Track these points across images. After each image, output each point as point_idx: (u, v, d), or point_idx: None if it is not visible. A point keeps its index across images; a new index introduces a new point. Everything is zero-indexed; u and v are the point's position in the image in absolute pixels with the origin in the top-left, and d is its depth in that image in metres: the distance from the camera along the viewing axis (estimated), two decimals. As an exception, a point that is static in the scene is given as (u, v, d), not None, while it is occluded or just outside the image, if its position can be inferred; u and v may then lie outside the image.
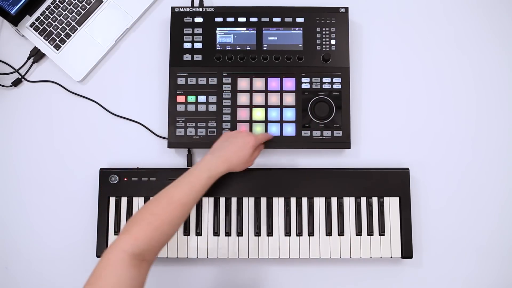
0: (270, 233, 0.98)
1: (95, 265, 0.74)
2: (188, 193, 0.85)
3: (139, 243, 0.77)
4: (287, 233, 0.98)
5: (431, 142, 1.05)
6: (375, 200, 0.99)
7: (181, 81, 1.02)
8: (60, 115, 1.07)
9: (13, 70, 1.07)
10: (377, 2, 1.09)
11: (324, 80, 1.02)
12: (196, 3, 1.07)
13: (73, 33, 1.07)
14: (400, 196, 0.99)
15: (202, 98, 1.02)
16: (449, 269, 1.02)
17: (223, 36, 1.04)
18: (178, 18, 1.04)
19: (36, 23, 1.06)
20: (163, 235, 0.81)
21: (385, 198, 0.99)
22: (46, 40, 1.06)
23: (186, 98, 1.02)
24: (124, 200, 0.99)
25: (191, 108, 1.02)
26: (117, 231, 0.98)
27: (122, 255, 0.74)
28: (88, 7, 1.07)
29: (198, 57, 1.03)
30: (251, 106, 1.02)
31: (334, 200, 0.99)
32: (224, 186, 0.97)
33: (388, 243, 0.98)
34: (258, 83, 1.02)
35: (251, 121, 1.02)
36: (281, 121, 1.01)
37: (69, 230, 1.03)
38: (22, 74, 1.07)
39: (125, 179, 0.99)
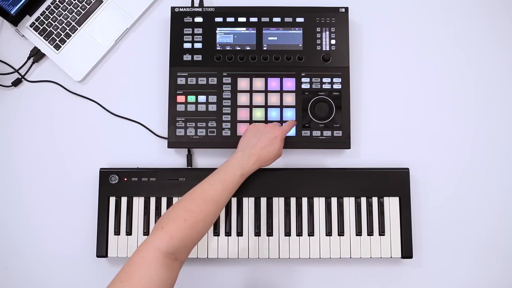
0: (270, 233, 0.98)
1: (127, 261, 0.73)
2: (222, 191, 0.85)
3: (174, 241, 0.75)
4: (287, 233, 0.98)
5: (431, 142, 1.05)
6: (375, 200, 0.99)
7: (181, 81, 1.02)
8: (60, 115, 1.07)
9: (13, 70, 1.07)
10: (377, 2, 1.09)
11: (324, 80, 1.02)
12: (196, 3, 1.07)
13: (73, 33, 1.07)
14: (400, 196, 0.99)
15: (202, 98, 1.02)
16: (449, 269, 1.02)
17: (223, 36, 1.04)
18: (178, 18, 1.04)
19: (36, 23, 1.06)
20: (197, 233, 0.80)
21: (385, 198, 0.99)
22: (46, 40, 1.06)
23: (186, 98, 1.02)
24: (124, 200, 0.99)
25: (191, 108, 1.02)
26: (117, 231, 0.98)
27: (156, 254, 0.73)
28: (88, 7, 1.07)
29: (198, 57, 1.03)
30: (251, 106, 1.02)
31: (334, 200, 0.99)
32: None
33: (388, 243, 0.98)
34: (258, 83, 1.02)
35: (251, 121, 1.01)
36: (281, 121, 1.01)
37: (69, 230, 1.03)
38: (22, 74, 1.07)
39: (125, 179, 0.99)
